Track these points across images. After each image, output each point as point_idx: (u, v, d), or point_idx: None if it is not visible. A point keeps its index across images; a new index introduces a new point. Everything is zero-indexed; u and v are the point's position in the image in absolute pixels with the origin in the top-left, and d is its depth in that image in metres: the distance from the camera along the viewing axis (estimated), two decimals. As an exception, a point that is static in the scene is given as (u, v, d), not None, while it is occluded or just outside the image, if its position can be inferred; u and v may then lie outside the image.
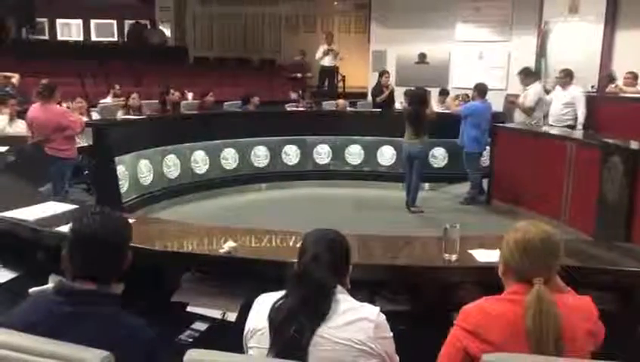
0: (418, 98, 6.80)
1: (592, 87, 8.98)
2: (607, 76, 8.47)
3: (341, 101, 9.38)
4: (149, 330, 1.58)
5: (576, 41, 9.40)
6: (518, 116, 7.37)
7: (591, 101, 7.33)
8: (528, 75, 7.34)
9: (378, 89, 9.32)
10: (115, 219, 1.71)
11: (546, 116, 7.39)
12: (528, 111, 7.16)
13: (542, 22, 9.97)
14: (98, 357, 1.40)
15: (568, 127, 6.95)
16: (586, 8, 9.34)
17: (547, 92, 7.75)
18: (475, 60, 10.84)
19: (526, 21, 10.25)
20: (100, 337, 1.46)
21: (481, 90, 7.11)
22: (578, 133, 6.62)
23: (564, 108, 7.13)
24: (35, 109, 5.45)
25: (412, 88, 7.51)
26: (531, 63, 9.98)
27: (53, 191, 5.18)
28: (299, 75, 12.16)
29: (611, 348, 1.72)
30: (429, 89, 8.06)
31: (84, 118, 7.00)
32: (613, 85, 8.11)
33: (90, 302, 1.54)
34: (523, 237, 1.68)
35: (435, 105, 8.86)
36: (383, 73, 9.45)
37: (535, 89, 7.23)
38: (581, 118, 7.03)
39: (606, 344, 1.69)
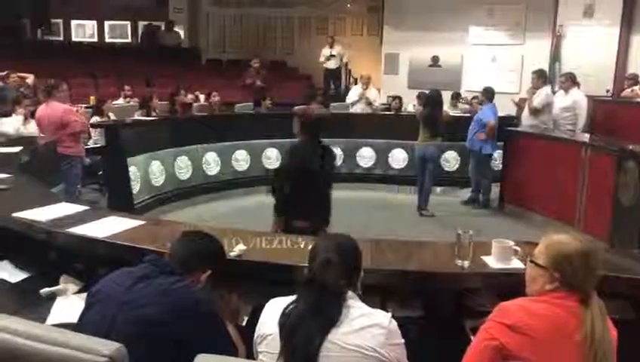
0: (433, 100, 6.77)
1: (607, 90, 8.90)
2: (633, 76, 8.31)
3: (365, 73, 9.28)
4: (199, 304, 1.73)
5: (591, 44, 9.34)
6: (526, 119, 7.22)
7: (606, 105, 7.24)
8: (541, 77, 7.21)
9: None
10: (205, 238, 2.01)
11: None
12: (535, 113, 7.06)
13: (556, 25, 9.90)
14: (111, 347, 1.42)
15: (567, 132, 6.82)
16: (602, 12, 9.27)
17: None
18: (488, 63, 10.78)
19: (540, 24, 10.18)
20: (152, 297, 1.70)
21: (489, 93, 7.04)
22: (593, 138, 6.54)
23: (563, 112, 7.00)
24: (40, 108, 5.55)
25: (425, 91, 7.48)
26: (545, 67, 9.91)
27: (66, 191, 5.21)
28: (251, 80, 10.64)
29: (627, 357, 1.69)
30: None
31: (98, 119, 7.09)
32: (629, 90, 8.02)
33: (161, 271, 1.79)
34: (587, 250, 1.64)
35: (448, 108, 8.83)
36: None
37: (546, 92, 7.14)
38: (580, 124, 6.89)
39: (622, 353, 1.66)
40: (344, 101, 9.68)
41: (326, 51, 11.88)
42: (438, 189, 7.75)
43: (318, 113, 4.09)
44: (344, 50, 12.03)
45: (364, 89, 9.00)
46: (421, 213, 6.78)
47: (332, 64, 11.82)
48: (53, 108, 5.45)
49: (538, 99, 7.03)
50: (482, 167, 7.03)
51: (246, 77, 10.38)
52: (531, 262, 1.74)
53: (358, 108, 8.93)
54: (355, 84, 10.41)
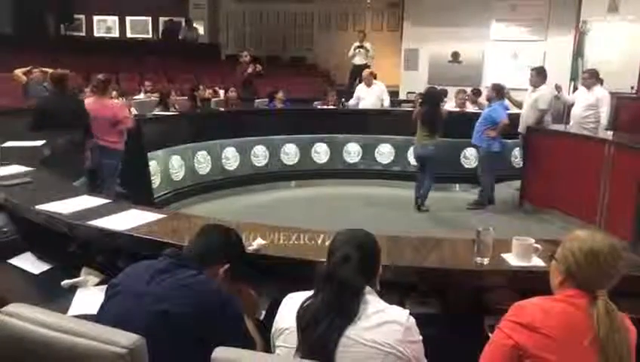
0: (432, 98, 6.69)
1: (632, 87, 8.76)
2: None
3: (367, 71, 9.12)
4: (217, 298, 1.75)
5: (615, 40, 9.19)
6: (526, 118, 6.97)
7: (630, 102, 7.10)
8: (540, 74, 6.96)
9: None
10: (224, 232, 2.02)
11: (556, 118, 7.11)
12: (542, 114, 6.89)
13: (579, 21, 9.76)
14: (130, 339, 1.44)
15: (590, 130, 6.60)
16: (626, 7, 9.12)
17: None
18: (510, 60, 10.67)
19: (563, 20, 10.06)
20: (173, 291, 1.71)
21: (499, 90, 6.92)
22: (616, 136, 6.42)
23: (586, 110, 6.71)
24: (90, 103, 5.56)
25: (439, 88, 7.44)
26: (567, 63, 9.81)
27: (105, 184, 5.31)
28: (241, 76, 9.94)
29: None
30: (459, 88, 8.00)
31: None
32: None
33: (181, 265, 1.81)
34: (591, 247, 1.62)
35: (470, 105, 8.76)
36: None
37: (547, 90, 6.95)
38: (604, 121, 6.65)
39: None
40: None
41: (354, 45, 11.65)
42: (457, 186, 7.71)
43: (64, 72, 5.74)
44: (372, 47, 11.74)
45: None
46: (419, 208, 6.76)
47: (359, 60, 11.56)
48: (105, 105, 5.50)
49: (544, 99, 6.85)
50: (487, 164, 6.86)
51: (237, 73, 9.98)
52: (551, 256, 1.76)
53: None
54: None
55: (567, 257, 1.66)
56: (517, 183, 7.21)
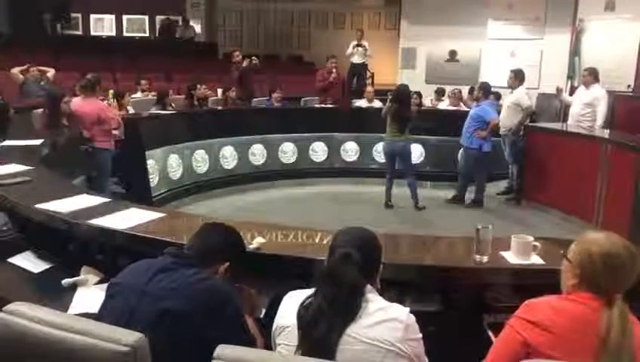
0: (402, 95, 6.69)
1: (629, 86, 8.78)
2: None
3: (369, 89, 9.21)
4: (218, 296, 1.75)
5: (612, 39, 9.19)
6: (504, 120, 6.91)
7: (627, 101, 7.11)
8: (517, 77, 6.99)
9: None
10: (224, 230, 2.03)
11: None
12: (528, 112, 6.91)
13: (576, 19, 9.77)
14: (133, 337, 1.45)
15: (587, 129, 6.62)
16: (623, 6, 9.13)
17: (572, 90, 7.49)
18: (507, 58, 10.67)
19: (560, 19, 10.07)
20: (174, 289, 1.72)
21: (486, 89, 6.91)
22: (613, 134, 6.44)
23: (584, 108, 6.79)
24: (76, 102, 5.55)
25: (442, 87, 7.42)
26: (565, 62, 9.82)
27: (99, 184, 5.30)
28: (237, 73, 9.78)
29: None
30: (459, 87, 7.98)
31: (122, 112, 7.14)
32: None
33: (181, 263, 1.82)
34: (609, 251, 1.61)
35: (462, 104, 8.78)
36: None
37: (524, 91, 6.99)
38: (599, 120, 6.67)
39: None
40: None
41: (352, 43, 11.58)
42: (454, 185, 7.73)
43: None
44: (369, 46, 11.67)
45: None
46: (388, 204, 6.78)
47: (357, 58, 11.46)
48: (90, 104, 5.47)
49: (524, 99, 6.86)
50: (479, 165, 6.84)
51: (232, 72, 9.82)
52: (563, 255, 1.75)
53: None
54: (372, 84, 10.56)
55: (583, 261, 1.64)
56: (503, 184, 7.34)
